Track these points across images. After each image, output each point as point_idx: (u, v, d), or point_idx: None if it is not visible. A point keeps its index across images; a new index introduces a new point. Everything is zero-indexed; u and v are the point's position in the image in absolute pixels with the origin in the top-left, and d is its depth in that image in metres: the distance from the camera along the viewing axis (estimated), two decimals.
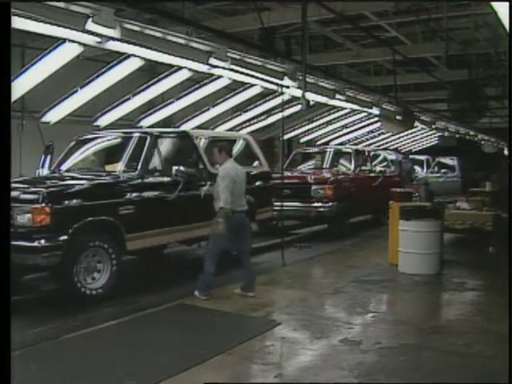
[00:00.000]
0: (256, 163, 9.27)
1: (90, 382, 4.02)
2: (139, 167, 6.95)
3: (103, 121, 9.39)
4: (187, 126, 11.02)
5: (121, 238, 6.46)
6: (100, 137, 8.00)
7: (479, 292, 6.97)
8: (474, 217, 9.61)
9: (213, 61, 7.08)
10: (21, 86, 6.89)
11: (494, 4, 3.96)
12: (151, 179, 7.04)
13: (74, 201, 6.05)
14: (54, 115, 8.65)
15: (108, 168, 7.29)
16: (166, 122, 10.68)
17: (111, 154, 7.70)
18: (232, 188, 6.19)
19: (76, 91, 8.19)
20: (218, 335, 5.01)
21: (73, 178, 6.99)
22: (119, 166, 7.08)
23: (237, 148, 8.92)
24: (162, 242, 7.40)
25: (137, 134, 7.48)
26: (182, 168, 7.18)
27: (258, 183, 8.92)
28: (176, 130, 8.72)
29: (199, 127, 11.00)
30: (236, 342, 4.73)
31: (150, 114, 10.25)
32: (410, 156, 20.80)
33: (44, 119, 8.69)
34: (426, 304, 6.55)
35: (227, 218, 6.14)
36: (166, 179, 7.21)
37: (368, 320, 5.53)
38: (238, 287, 6.46)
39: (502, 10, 3.98)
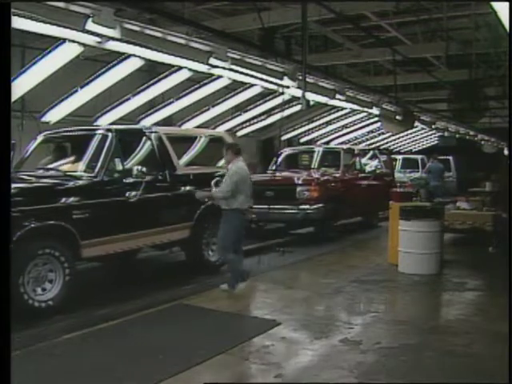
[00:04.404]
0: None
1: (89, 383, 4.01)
2: (97, 167, 6.48)
3: (103, 121, 9.38)
4: (187, 126, 11.01)
5: (75, 245, 5.94)
6: (63, 135, 7.57)
7: (479, 292, 6.97)
8: (474, 217, 9.61)
9: (213, 61, 7.08)
10: (21, 86, 6.88)
11: (493, 4, 3.97)
12: (111, 180, 6.56)
13: (20, 204, 5.46)
14: (53, 115, 8.64)
15: (68, 168, 6.80)
16: (166, 122, 10.67)
17: (72, 153, 7.24)
18: (243, 187, 6.35)
19: (76, 91, 8.17)
20: (218, 335, 5.01)
21: (23, 180, 6.38)
22: (79, 166, 6.63)
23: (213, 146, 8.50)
24: (125, 248, 6.68)
25: (99, 132, 7.00)
26: (143, 168, 6.74)
27: None
28: (142, 127, 8.22)
29: (199, 127, 10.98)
30: (236, 342, 4.72)
31: (150, 114, 10.25)
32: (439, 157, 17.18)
33: (44, 119, 8.68)
34: (425, 304, 6.55)
35: (239, 215, 6.39)
36: (127, 180, 6.73)
37: (368, 320, 5.53)
38: (225, 284, 6.56)
39: (502, 10, 3.99)
